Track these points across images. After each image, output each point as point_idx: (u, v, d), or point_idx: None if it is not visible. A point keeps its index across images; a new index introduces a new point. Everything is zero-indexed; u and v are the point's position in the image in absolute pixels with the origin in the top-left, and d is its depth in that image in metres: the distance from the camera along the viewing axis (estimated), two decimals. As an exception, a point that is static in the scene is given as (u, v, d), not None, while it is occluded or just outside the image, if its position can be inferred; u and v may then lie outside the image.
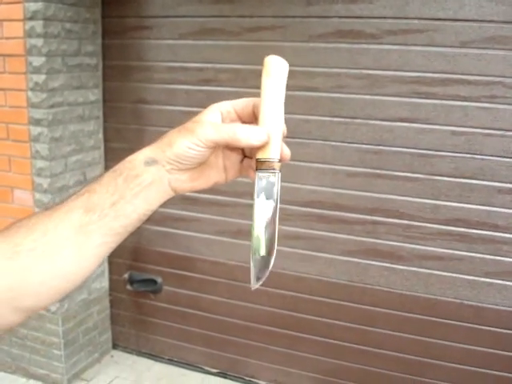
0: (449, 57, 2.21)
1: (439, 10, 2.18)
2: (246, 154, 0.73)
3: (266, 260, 0.70)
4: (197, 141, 0.66)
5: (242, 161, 0.74)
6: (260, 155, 0.68)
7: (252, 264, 0.70)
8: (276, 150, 0.67)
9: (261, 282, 0.70)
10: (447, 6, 2.16)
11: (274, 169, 0.68)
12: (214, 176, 0.74)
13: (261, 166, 0.68)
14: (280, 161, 0.68)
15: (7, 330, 0.68)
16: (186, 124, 0.68)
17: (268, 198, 0.69)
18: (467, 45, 2.17)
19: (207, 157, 0.69)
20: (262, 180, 0.68)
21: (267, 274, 0.70)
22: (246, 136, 0.66)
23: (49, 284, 0.67)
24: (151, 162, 0.68)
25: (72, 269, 0.67)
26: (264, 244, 0.69)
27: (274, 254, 0.70)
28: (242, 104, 0.71)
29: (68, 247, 0.66)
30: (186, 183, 0.71)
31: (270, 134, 0.67)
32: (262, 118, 0.67)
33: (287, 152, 0.70)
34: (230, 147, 0.72)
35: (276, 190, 0.69)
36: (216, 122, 0.69)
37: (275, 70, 0.68)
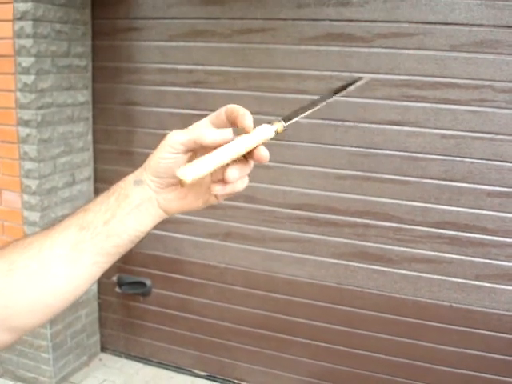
0: (439, 60, 2.22)
1: (429, 13, 2.19)
2: None
3: None
4: (167, 148, 0.66)
5: None
6: None
7: None
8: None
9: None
10: (437, 9, 2.17)
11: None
12: (203, 193, 0.73)
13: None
14: None
15: None
16: None
17: None
18: (457, 48, 2.18)
19: (183, 165, 0.68)
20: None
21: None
22: (211, 131, 0.66)
23: (42, 302, 0.67)
24: (138, 182, 0.70)
25: (64, 287, 0.68)
26: None
27: None
28: (215, 115, 0.70)
29: (61, 265, 0.67)
30: (174, 202, 0.72)
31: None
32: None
33: (264, 153, 0.67)
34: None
35: None
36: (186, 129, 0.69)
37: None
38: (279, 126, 0.68)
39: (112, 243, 0.68)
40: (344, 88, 0.75)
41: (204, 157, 0.64)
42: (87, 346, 3.07)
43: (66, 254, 0.66)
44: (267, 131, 0.67)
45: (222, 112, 0.69)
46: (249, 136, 0.66)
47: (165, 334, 3.01)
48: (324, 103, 0.72)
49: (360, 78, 0.78)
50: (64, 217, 0.70)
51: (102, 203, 0.69)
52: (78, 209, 0.70)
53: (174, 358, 3.04)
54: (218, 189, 0.67)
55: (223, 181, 0.66)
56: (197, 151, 0.69)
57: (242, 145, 0.65)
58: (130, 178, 0.70)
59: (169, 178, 0.69)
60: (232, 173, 0.66)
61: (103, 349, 3.22)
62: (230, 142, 0.66)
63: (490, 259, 2.33)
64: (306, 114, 0.71)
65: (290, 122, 0.69)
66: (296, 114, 0.70)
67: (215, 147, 0.66)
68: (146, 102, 2.74)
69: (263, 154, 0.66)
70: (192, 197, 0.73)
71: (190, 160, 0.68)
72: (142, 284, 2.97)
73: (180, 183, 0.64)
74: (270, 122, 0.68)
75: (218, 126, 0.69)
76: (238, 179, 0.67)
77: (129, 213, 0.68)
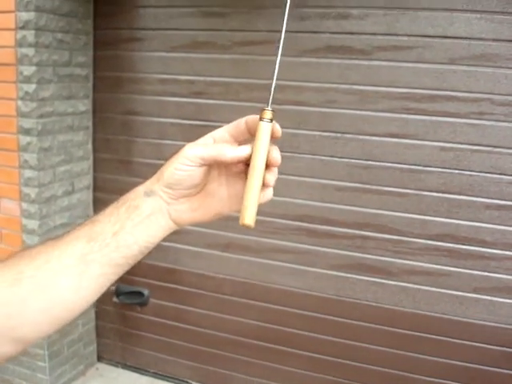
0: (438, 73, 2.23)
1: (429, 27, 2.20)
2: None
3: None
4: (184, 159, 0.66)
5: None
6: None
7: None
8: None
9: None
10: (437, 23, 2.18)
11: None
12: (216, 206, 0.73)
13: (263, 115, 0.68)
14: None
15: (2, 362, 0.68)
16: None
17: None
18: (456, 62, 2.19)
19: (198, 178, 0.68)
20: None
21: None
22: (231, 148, 0.67)
23: (47, 312, 0.66)
24: (149, 193, 0.69)
25: (71, 298, 0.67)
26: None
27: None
28: (234, 125, 0.71)
29: (68, 276, 0.66)
30: (186, 214, 0.71)
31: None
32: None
33: (276, 156, 0.68)
34: (232, 173, 0.72)
35: None
36: (205, 142, 0.70)
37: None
38: (268, 114, 0.68)
39: (121, 254, 0.68)
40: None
41: (248, 195, 0.66)
42: (84, 356, 3.06)
43: (74, 265, 0.66)
44: (268, 128, 0.68)
45: (242, 122, 0.70)
46: (261, 143, 0.67)
47: (162, 344, 3.00)
48: (278, 59, 0.71)
49: None
50: (72, 227, 0.70)
51: (111, 214, 0.68)
52: (86, 220, 0.70)
53: (170, 368, 3.03)
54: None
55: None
56: (212, 165, 0.69)
57: (263, 157, 0.67)
58: (141, 188, 0.70)
59: (182, 190, 0.69)
60: (269, 177, 0.69)
61: (100, 358, 3.20)
62: (247, 157, 0.67)
63: (488, 272, 2.32)
64: (273, 85, 0.70)
65: (270, 101, 0.69)
66: (269, 92, 0.70)
67: (234, 163, 0.68)
68: (146, 112, 2.75)
69: (276, 156, 0.68)
70: (204, 209, 0.72)
71: (205, 174, 0.69)
72: (140, 294, 2.96)
73: (246, 227, 0.67)
74: (262, 119, 0.68)
75: (237, 136, 0.70)
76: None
77: (138, 224, 0.68)
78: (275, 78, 0.70)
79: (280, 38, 0.72)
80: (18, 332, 0.65)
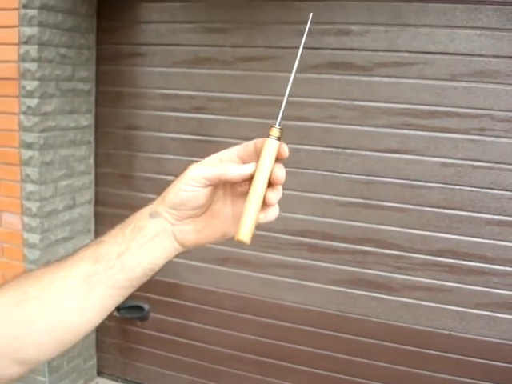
0: (438, 89, 2.24)
1: (429, 43, 2.21)
2: None
3: None
4: (188, 180, 0.66)
5: None
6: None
7: None
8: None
9: None
10: (437, 39, 2.20)
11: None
12: (221, 226, 0.72)
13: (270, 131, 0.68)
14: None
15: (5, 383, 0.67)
16: None
17: None
18: (457, 78, 2.21)
19: (202, 199, 0.68)
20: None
21: None
22: (235, 167, 0.66)
23: (52, 334, 0.66)
24: (154, 214, 0.69)
25: (75, 319, 0.67)
26: None
27: None
28: (243, 146, 0.70)
29: (73, 297, 0.65)
30: (191, 235, 0.71)
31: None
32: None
33: (280, 174, 0.68)
34: (237, 193, 0.71)
35: None
36: (210, 162, 0.69)
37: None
38: (275, 132, 0.68)
39: (125, 276, 0.67)
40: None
41: (246, 211, 0.65)
42: (84, 370, 3.04)
43: (79, 287, 0.65)
44: (274, 145, 0.67)
45: (250, 144, 0.69)
46: (264, 159, 0.66)
47: (162, 359, 2.99)
48: (292, 77, 0.72)
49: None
50: (78, 248, 0.69)
51: (117, 235, 0.68)
52: (91, 241, 0.69)
53: (170, 383, 3.01)
54: (262, 216, 0.68)
55: (265, 205, 0.67)
56: (217, 185, 0.69)
57: (265, 174, 0.66)
58: (147, 209, 0.70)
59: (186, 210, 0.68)
60: (271, 195, 0.68)
61: (100, 373, 3.18)
62: (252, 175, 0.67)
63: (489, 288, 2.32)
64: (283, 105, 0.71)
65: (279, 119, 0.70)
66: (278, 111, 0.70)
67: (238, 182, 0.67)
68: (148, 127, 2.76)
69: (280, 174, 0.68)
70: (209, 229, 0.72)
71: (210, 194, 0.69)
72: (140, 308, 2.95)
73: (241, 243, 0.66)
74: (269, 136, 0.68)
75: (245, 159, 0.70)
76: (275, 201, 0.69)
77: (143, 245, 0.68)
78: (287, 95, 0.70)
79: (297, 56, 0.71)
80: (23, 353, 0.65)
